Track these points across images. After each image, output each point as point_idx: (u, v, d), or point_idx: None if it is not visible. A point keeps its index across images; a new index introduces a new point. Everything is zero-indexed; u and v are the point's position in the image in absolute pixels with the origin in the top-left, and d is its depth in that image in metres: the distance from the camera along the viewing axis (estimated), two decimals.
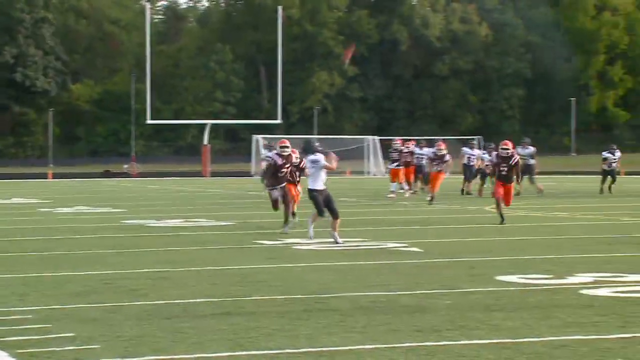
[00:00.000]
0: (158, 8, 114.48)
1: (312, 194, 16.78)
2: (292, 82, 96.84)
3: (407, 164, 33.64)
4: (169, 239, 17.62)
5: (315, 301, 10.13)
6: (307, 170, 17.33)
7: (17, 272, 12.89)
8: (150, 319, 9.11)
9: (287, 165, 18.98)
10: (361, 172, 64.19)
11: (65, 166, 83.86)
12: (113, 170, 72.83)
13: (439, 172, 29.08)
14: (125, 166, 77.39)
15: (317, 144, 17.43)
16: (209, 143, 71.33)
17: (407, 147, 34.73)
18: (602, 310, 9.46)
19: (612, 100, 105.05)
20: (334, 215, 16.61)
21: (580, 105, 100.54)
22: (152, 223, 21.47)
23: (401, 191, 32.96)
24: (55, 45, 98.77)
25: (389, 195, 32.04)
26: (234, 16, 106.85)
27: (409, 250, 15.30)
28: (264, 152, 35.33)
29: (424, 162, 33.79)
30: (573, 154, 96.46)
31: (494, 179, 32.74)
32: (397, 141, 34.26)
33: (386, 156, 39.72)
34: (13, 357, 7.54)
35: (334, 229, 16.44)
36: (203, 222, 21.83)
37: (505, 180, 20.57)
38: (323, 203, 16.63)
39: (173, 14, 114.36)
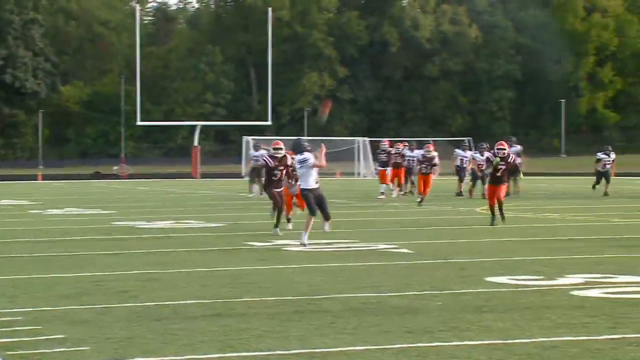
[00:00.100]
0: (148, 9, 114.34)
1: (304, 192, 16.64)
2: (283, 84, 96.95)
3: (397, 165, 33.55)
4: (159, 241, 17.58)
5: (306, 302, 10.12)
6: (297, 171, 17.18)
7: (6, 273, 12.83)
8: (140, 321, 9.09)
9: (280, 168, 18.58)
10: (351, 174, 64.07)
11: (55, 168, 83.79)
12: (103, 171, 72.48)
13: (428, 174, 28.81)
14: (115, 168, 77.08)
15: (305, 143, 17.22)
16: (199, 144, 70.96)
17: (396, 148, 34.58)
18: (593, 311, 9.48)
19: (602, 101, 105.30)
20: (325, 216, 16.60)
21: (570, 106, 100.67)
22: (142, 225, 21.39)
23: (391, 191, 32.90)
24: (45, 47, 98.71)
25: (379, 197, 31.97)
26: (224, 18, 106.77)
27: (400, 252, 15.23)
28: (251, 152, 34.85)
29: (415, 164, 33.63)
30: (563, 155, 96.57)
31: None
32: (385, 142, 34.21)
33: (376, 157, 39.71)
34: (2, 359, 7.55)
35: (326, 227, 16.64)
36: (193, 223, 21.75)
37: (498, 182, 20.50)
38: (315, 202, 16.51)
39: (163, 15, 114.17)
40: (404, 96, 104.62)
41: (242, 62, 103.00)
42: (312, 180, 16.57)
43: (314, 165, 16.62)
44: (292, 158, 18.52)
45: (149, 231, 19.76)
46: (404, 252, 15.16)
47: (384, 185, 32.71)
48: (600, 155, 34.20)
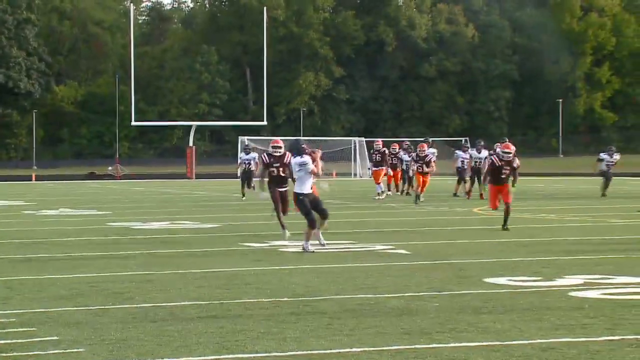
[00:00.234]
0: (142, 9, 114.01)
1: (299, 198, 15.84)
2: (278, 84, 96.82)
3: (393, 167, 33.80)
4: (155, 242, 17.42)
5: (302, 304, 10.06)
6: (293, 174, 16.30)
7: (0, 275, 12.73)
8: (135, 322, 9.04)
9: (276, 165, 17.58)
10: (348, 174, 63.71)
11: (49, 168, 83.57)
12: (98, 172, 72.44)
13: (425, 174, 28.47)
14: (110, 168, 77.24)
15: (304, 145, 16.54)
16: (194, 145, 70.81)
17: (393, 149, 34.59)
18: (592, 313, 9.43)
19: (600, 101, 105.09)
20: (323, 214, 15.89)
21: (567, 106, 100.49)
22: (138, 225, 21.27)
23: (381, 192, 32.61)
24: (39, 47, 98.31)
25: (375, 197, 31.87)
26: (219, 17, 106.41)
27: (397, 253, 15.12)
28: (242, 156, 34.57)
29: (410, 164, 33.26)
30: (560, 156, 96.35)
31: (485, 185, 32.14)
32: (378, 142, 33.97)
33: (370, 158, 39.55)
34: None
35: (319, 228, 15.78)
36: (189, 224, 21.60)
37: (503, 182, 19.60)
38: (310, 206, 15.81)
39: (157, 15, 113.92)
40: (400, 96, 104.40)
41: (238, 62, 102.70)
42: (308, 185, 15.93)
43: (312, 172, 16.00)
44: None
45: (144, 232, 19.66)
46: (401, 253, 15.06)
47: (380, 185, 32.59)
48: (602, 155, 33.68)
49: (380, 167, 32.98)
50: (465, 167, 33.44)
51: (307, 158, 15.90)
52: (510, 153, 19.61)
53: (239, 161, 34.69)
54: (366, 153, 63.52)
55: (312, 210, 15.75)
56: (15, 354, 7.66)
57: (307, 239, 15.43)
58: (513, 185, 19.57)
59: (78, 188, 47.65)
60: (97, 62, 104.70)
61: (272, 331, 8.55)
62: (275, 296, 10.62)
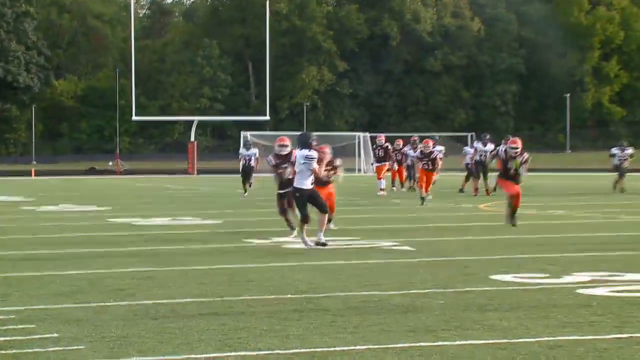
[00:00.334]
0: (143, 2, 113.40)
1: (297, 193, 15.36)
2: (281, 78, 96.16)
3: (398, 163, 33.98)
4: (156, 238, 17.47)
5: (306, 301, 10.06)
6: (295, 166, 15.68)
7: None
8: (136, 319, 9.01)
9: (284, 166, 17.04)
10: (352, 170, 62.87)
11: (49, 163, 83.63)
12: (98, 167, 72.37)
13: (430, 171, 27.31)
14: (110, 163, 77.87)
15: (314, 138, 15.90)
16: (195, 140, 70.68)
17: (397, 144, 34.43)
18: (599, 310, 9.36)
19: (608, 96, 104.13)
20: (322, 209, 15.27)
21: (575, 101, 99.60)
22: (138, 221, 21.29)
23: (392, 188, 32.73)
24: (38, 40, 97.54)
25: (379, 193, 31.70)
26: (221, 11, 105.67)
27: (401, 249, 15.07)
28: (242, 151, 34.01)
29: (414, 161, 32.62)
30: (568, 151, 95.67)
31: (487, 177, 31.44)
32: (381, 137, 34.02)
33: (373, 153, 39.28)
34: None
35: (320, 227, 15.29)
36: (190, 220, 21.72)
37: (512, 179, 19.04)
38: (307, 201, 15.27)
39: (158, 8, 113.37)
40: (405, 90, 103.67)
41: (240, 55, 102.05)
42: (309, 182, 15.42)
43: (314, 170, 15.42)
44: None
45: (145, 228, 19.68)
46: (405, 250, 15.05)
47: (382, 181, 32.44)
48: (614, 150, 33.95)
49: (383, 163, 33.05)
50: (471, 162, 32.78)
51: (314, 153, 15.27)
52: (517, 148, 19.10)
53: (239, 157, 34.17)
54: (370, 148, 62.77)
55: (312, 204, 15.44)
56: (14, 351, 7.63)
57: (303, 232, 15.34)
58: (518, 180, 19.00)
59: (78, 183, 48.11)
60: (97, 56, 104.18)
61: (274, 328, 8.51)
62: (278, 293, 10.60)
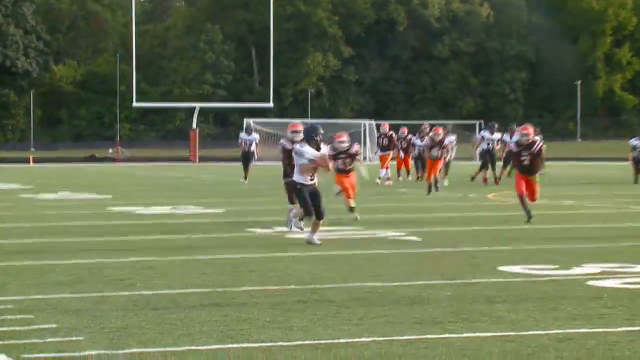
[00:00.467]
0: None
1: (297, 187, 14.93)
2: (285, 64, 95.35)
3: (405, 151, 33.67)
4: (157, 227, 17.30)
5: (309, 292, 10.00)
6: (294, 159, 15.15)
7: None
8: (136, 310, 8.96)
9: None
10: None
11: (48, 150, 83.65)
12: (98, 154, 72.62)
13: (437, 160, 26.39)
14: (110, 150, 77.65)
15: (321, 132, 15.11)
16: (197, 127, 70.75)
17: (402, 132, 33.97)
18: (610, 302, 9.28)
19: (619, 83, 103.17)
20: (319, 215, 14.58)
21: (585, 89, 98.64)
22: (139, 210, 21.27)
23: (398, 178, 32.84)
24: (37, 25, 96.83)
25: (385, 183, 31.44)
26: None
27: (408, 239, 15.04)
28: (242, 135, 33.77)
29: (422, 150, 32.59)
30: (579, 140, 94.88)
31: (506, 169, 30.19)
32: (384, 126, 33.68)
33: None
34: None
35: (313, 230, 14.66)
36: (192, 209, 21.59)
37: (527, 172, 18.17)
38: (309, 198, 14.70)
39: None
40: (412, 77, 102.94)
41: (243, 41, 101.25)
42: (308, 177, 14.99)
43: (317, 163, 14.90)
44: (347, 142, 17.82)
45: (146, 217, 19.64)
46: (412, 240, 15.01)
47: (386, 169, 32.09)
48: (633, 141, 33.14)
49: (387, 152, 32.72)
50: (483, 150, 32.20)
51: (306, 150, 14.68)
52: (528, 135, 18.10)
53: (239, 141, 33.64)
54: (376, 136, 61.58)
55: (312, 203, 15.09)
56: (12, 341, 7.59)
57: (296, 216, 15.50)
58: (536, 175, 18.25)
59: (77, 171, 48.13)
60: (97, 41, 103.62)
61: (277, 320, 8.45)
62: (281, 284, 10.55)
